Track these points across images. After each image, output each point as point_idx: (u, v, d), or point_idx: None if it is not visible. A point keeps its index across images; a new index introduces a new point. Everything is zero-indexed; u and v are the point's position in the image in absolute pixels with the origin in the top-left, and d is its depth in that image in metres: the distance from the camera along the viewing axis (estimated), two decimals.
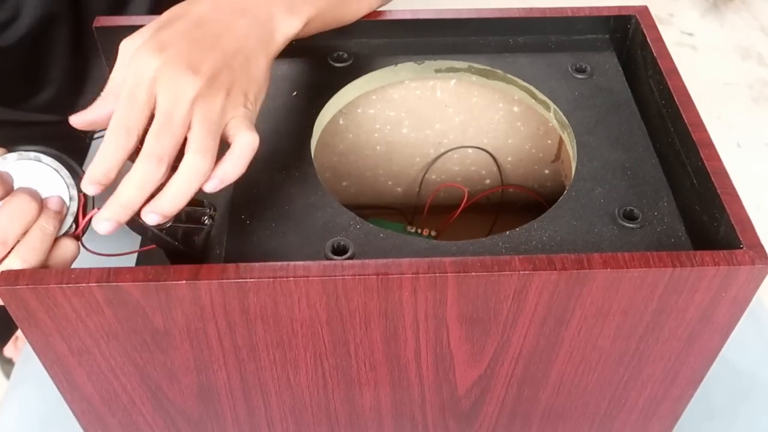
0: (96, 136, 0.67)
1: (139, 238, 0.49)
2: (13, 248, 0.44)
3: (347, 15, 0.58)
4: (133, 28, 0.59)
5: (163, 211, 0.44)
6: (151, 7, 0.80)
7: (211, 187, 0.45)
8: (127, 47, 0.49)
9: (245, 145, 0.45)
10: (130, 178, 0.43)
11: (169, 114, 0.44)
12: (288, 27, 0.51)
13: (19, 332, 1.12)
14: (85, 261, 0.46)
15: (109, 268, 0.43)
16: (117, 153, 0.44)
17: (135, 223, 0.48)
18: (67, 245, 0.46)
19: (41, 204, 0.46)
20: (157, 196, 0.44)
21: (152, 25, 0.49)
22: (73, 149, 0.88)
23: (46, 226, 0.45)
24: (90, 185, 0.44)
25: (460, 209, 0.71)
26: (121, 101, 0.44)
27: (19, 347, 1.24)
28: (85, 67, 0.83)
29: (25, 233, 0.45)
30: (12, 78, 0.80)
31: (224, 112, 0.45)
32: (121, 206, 0.43)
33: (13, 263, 0.44)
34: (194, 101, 0.44)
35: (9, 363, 1.29)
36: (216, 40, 0.47)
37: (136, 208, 0.44)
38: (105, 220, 0.43)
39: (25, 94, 0.84)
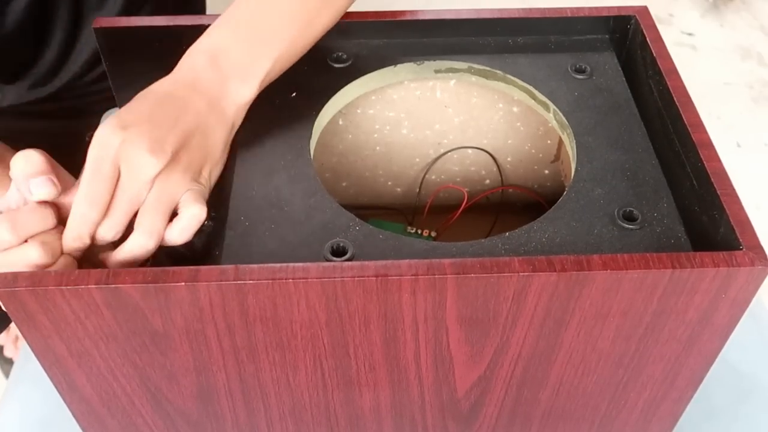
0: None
1: None
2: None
3: (311, 40, 0.59)
4: (132, 29, 0.60)
5: None
6: None
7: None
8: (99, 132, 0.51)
9: (191, 217, 0.48)
10: (98, 235, 0.48)
11: (127, 191, 0.47)
12: (242, 96, 0.54)
13: (18, 332, 1.12)
14: None
15: (108, 270, 0.43)
16: (82, 226, 0.47)
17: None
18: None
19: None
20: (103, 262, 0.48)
21: (112, 117, 0.51)
22: (73, 148, 0.89)
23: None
24: (67, 250, 0.47)
25: (460, 210, 0.71)
26: (86, 175, 0.47)
27: (19, 347, 1.24)
28: (82, 25, 0.84)
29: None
30: (15, 42, 0.81)
31: (178, 190, 0.48)
32: (67, 248, 0.48)
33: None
34: (152, 181, 0.48)
35: (9, 363, 1.28)
36: (176, 119, 0.50)
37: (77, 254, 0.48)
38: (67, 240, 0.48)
39: (27, 61, 0.84)
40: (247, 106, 0.55)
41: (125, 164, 0.47)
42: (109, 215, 0.47)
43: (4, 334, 1.19)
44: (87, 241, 0.47)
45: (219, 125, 0.52)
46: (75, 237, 0.47)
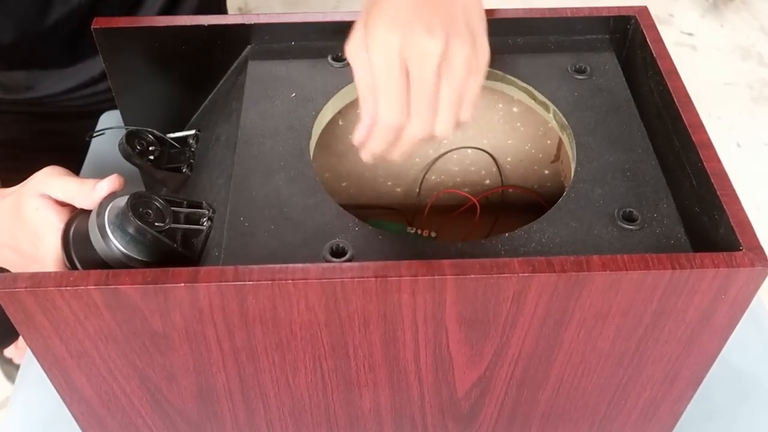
0: (95, 134, 0.68)
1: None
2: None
3: None
4: (132, 29, 0.60)
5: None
6: None
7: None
8: (354, 47, 0.49)
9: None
10: (407, 133, 0.48)
11: (421, 83, 0.46)
12: None
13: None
14: None
15: (108, 271, 0.43)
16: (390, 133, 0.47)
17: (136, 226, 0.48)
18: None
19: None
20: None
21: (362, 15, 0.50)
22: (72, 147, 0.89)
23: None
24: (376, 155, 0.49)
25: (460, 210, 0.71)
26: (380, 84, 0.46)
27: (20, 348, 1.24)
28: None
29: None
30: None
31: (469, 62, 0.47)
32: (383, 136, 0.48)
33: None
34: (441, 68, 0.46)
35: (9, 363, 1.29)
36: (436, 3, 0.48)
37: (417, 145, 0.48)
38: (368, 152, 0.49)
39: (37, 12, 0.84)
40: None
41: (413, 56, 0.46)
42: (416, 114, 0.47)
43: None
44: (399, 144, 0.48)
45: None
46: (382, 145, 0.48)
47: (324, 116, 0.59)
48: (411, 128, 0.47)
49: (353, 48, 0.48)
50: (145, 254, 0.49)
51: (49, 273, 0.43)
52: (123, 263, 0.48)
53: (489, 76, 0.62)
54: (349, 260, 0.48)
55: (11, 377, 1.35)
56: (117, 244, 0.48)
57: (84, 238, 0.50)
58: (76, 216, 0.53)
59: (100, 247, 0.49)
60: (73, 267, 0.50)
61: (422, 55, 0.46)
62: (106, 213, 0.49)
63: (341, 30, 0.61)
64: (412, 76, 0.46)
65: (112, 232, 0.48)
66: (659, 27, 0.60)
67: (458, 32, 0.47)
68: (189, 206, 0.52)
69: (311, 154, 0.55)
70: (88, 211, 0.51)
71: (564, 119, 0.57)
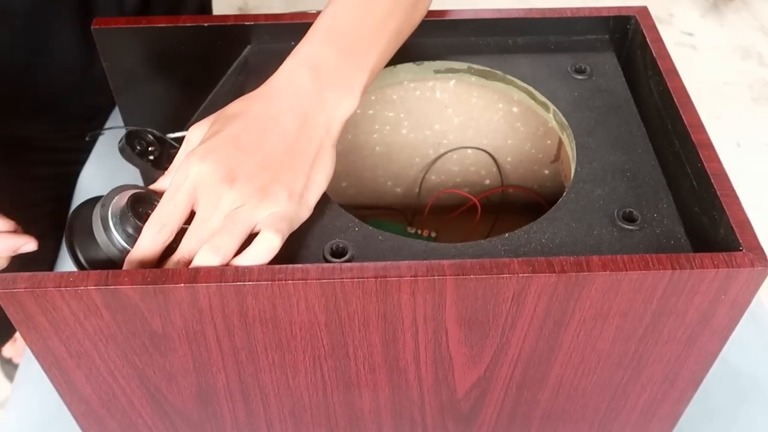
0: (95, 134, 0.68)
1: None
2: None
3: (399, 45, 0.57)
4: (132, 29, 0.60)
5: None
6: None
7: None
8: (192, 136, 0.52)
9: (263, 242, 0.46)
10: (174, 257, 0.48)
11: (202, 223, 0.47)
12: (344, 110, 0.52)
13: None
14: None
15: (108, 271, 0.43)
16: (150, 245, 0.47)
17: (135, 225, 0.48)
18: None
19: None
20: None
21: (215, 116, 0.52)
22: (72, 147, 0.89)
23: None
24: (134, 265, 0.47)
25: (460, 211, 0.71)
26: (164, 200, 0.48)
27: (18, 347, 1.24)
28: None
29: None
30: None
31: (254, 214, 0.47)
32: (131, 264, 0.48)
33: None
34: (227, 209, 0.47)
35: (8, 363, 1.29)
36: (260, 142, 0.49)
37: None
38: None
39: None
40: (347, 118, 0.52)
41: (202, 195, 0.47)
42: (185, 240, 0.47)
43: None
44: (153, 260, 0.48)
45: (314, 142, 0.50)
46: (141, 258, 0.47)
47: None
48: (176, 254, 0.47)
49: (192, 135, 0.51)
50: None
51: (49, 273, 0.43)
52: (123, 257, 0.48)
53: (489, 76, 0.62)
54: (349, 260, 0.48)
55: (11, 377, 1.35)
56: (118, 238, 0.48)
57: (87, 231, 0.50)
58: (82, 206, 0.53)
59: (101, 239, 0.49)
60: (73, 256, 0.50)
61: (209, 196, 0.47)
62: (110, 207, 0.49)
63: None
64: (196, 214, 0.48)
65: (114, 226, 0.48)
66: (659, 27, 0.60)
67: (268, 192, 0.48)
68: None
69: None
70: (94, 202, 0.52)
71: (564, 119, 0.57)
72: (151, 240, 0.47)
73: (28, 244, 0.56)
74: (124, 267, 0.48)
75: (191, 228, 0.47)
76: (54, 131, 0.89)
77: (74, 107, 0.87)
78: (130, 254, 0.48)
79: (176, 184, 0.48)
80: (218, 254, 0.46)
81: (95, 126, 0.90)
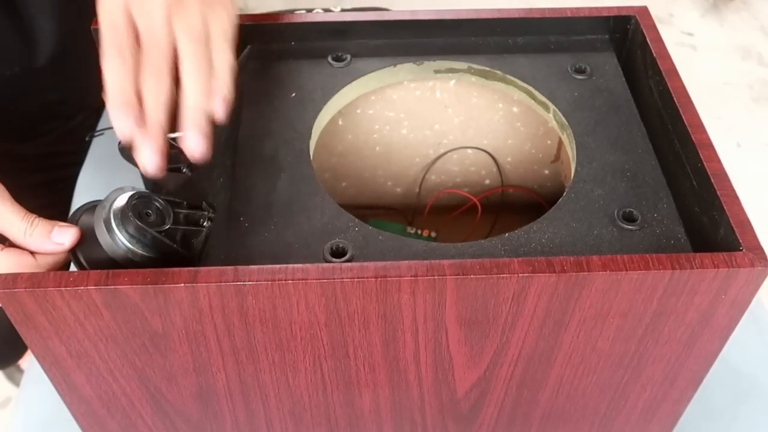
0: (95, 134, 0.67)
1: None
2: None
3: None
4: None
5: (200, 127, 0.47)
6: None
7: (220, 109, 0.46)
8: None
9: (224, 58, 0.45)
10: (146, 102, 0.45)
11: (149, 33, 0.45)
12: None
13: None
14: None
15: (107, 271, 0.43)
16: (118, 73, 0.44)
17: (135, 225, 0.48)
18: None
19: None
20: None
21: None
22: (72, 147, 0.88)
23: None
24: (116, 109, 0.45)
25: (460, 211, 0.71)
26: (103, 30, 0.45)
27: None
28: None
29: None
30: None
31: (204, 19, 0.45)
32: (151, 127, 0.45)
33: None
34: (169, 17, 0.45)
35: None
36: None
37: (162, 123, 0.45)
38: (148, 151, 0.46)
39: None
40: None
41: (136, 9, 0.45)
42: (144, 71, 0.44)
43: None
44: (134, 100, 0.45)
45: None
46: (121, 101, 0.44)
47: (324, 116, 0.59)
48: (148, 100, 0.44)
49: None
50: (146, 251, 0.49)
51: (49, 273, 0.43)
52: (126, 258, 0.48)
53: (489, 76, 0.62)
54: (349, 260, 0.48)
55: (11, 377, 1.35)
56: (122, 239, 0.48)
57: (89, 233, 0.50)
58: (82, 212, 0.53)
59: (104, 240, 0.49)
60: (75, 260, 0.50)
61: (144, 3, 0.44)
62: (111, 209, 0.49)
63: (341, 30, 0.61)
64: (140, 34, 0.45)
65: (116, 227, 0.48)
66: (659, 27, 0.60)
67: None
68: (189, 207, 0.51)
69: (311, 154, 0.55)
70: (92, 208, 0.51)
71: (564, 119, 0.57)
72: (116, 70, 0.45)
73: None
74: (112, 109, 0.45)
75: (144, 47, 0.45)
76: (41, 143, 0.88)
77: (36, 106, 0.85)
78: (108, 95, 0.45)
79: (107, 9, 0.46)
80: (203, 92, 0.45)
81: (86, 127, 0.90)
